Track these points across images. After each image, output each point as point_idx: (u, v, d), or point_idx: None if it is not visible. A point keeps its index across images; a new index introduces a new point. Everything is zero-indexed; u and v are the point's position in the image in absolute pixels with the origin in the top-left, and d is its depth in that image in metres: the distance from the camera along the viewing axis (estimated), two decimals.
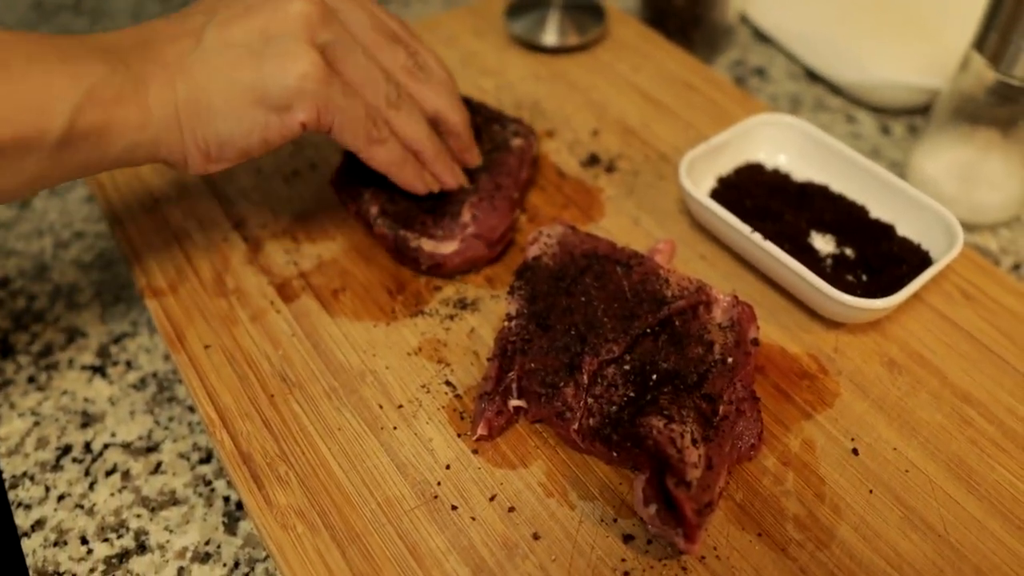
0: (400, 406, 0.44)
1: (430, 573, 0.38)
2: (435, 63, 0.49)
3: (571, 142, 0.59)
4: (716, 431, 0.40)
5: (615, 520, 0.40)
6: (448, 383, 0.45)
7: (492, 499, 0.41)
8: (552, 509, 0.40)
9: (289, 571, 0.38)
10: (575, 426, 0.41)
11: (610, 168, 0.57)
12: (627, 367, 0.42)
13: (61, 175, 0.40)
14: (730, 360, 0.42)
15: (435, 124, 0.49)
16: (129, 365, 0.52)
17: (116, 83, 0.39)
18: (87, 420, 0.49)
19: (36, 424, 0.49)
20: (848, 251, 0.50)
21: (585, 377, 0.41)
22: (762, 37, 0.75)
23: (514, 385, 0.43)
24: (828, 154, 0.52)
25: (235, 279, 0.51)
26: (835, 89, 0.70)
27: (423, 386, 0.45)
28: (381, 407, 0.44)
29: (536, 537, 0.39)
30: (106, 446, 0.48)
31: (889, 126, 0.67)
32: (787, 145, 0.54)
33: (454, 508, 0.40)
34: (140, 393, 0.50)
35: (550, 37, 0.66)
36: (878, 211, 0.51)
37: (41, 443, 0.48)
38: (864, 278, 0.48)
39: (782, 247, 0.46)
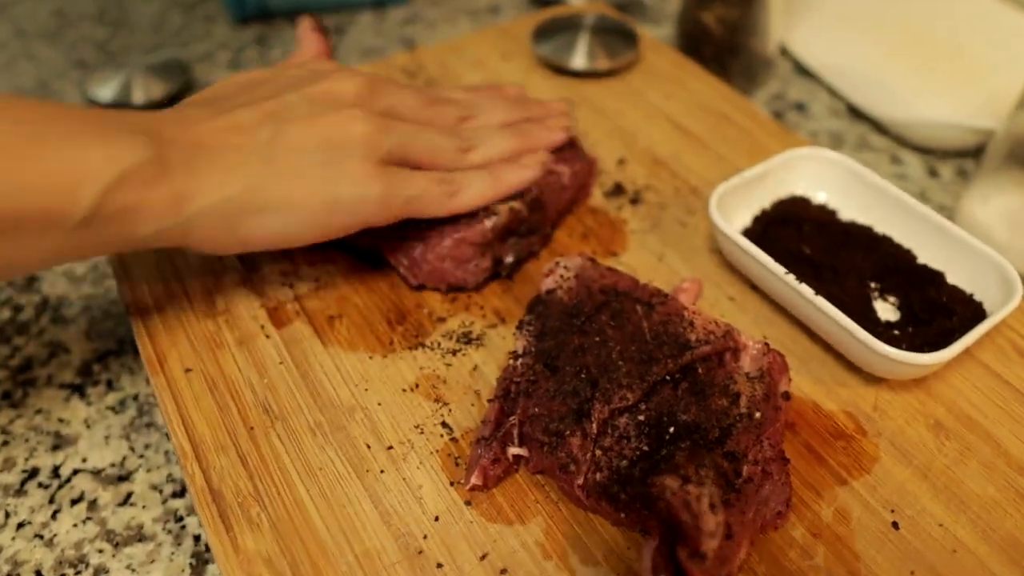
0: (390, 447, 0.40)
1: None
2: (471, 94, 0.52)
3: (598, 171, 0.56)
4: (738, 495, 0.35)
5: None
6: (444, 424, 0.41)
7: (483, 558, 0.36)
8: (549, 573, 0.36)
9: None
10: (580, 481, 0.37)
11: (635, 200, 0.54)
12: (641, 418, 0.38)
13: (80, 253, 0.38)
14: (757, 415, 0.38)
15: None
16: (110, 385, 0.49)
17: (153, 168, 0.38)
18: (59, 442, 0.46)
19: (5, 443, 0.46)
20: (892, 299, 0.45)
21: (594, 426, 0.37)
22: (803, 71, 0.72)
23: (515, 431, 0.38)
24: (873, 193, 0.48)
25: (226, 300, 0.47)
26: (880, 128, 0.65)
27: (417, 426, 0.41)
28: (369, 447, 0.40)
29: None
30: (75, 472, 0.45)
31: (937, 168, 0.62)
32: (828, 182, 0.50)
33: (439, 566, 0.36)
34: (118, 416, 0.47)
35: (578, 60, 0.63)
36: (926, 257, 0.46)
37: (7, 464, 0.45)
38: (910, 329, 0.43)
39: (819, 292, 0.42)
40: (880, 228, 0.48)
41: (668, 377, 0.39)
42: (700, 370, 0.39)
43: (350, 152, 0.42)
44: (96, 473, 0.45)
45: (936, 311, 0.43)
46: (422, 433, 0.41)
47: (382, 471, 0.39)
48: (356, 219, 0.42)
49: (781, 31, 0.69)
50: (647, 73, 0.64)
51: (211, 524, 0.38)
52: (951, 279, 0.45)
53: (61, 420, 0.47)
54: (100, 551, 0.41)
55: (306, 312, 0.47)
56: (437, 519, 0.38)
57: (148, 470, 0.45)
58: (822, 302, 0.41)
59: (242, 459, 0.40)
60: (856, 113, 0.67)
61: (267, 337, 0.45)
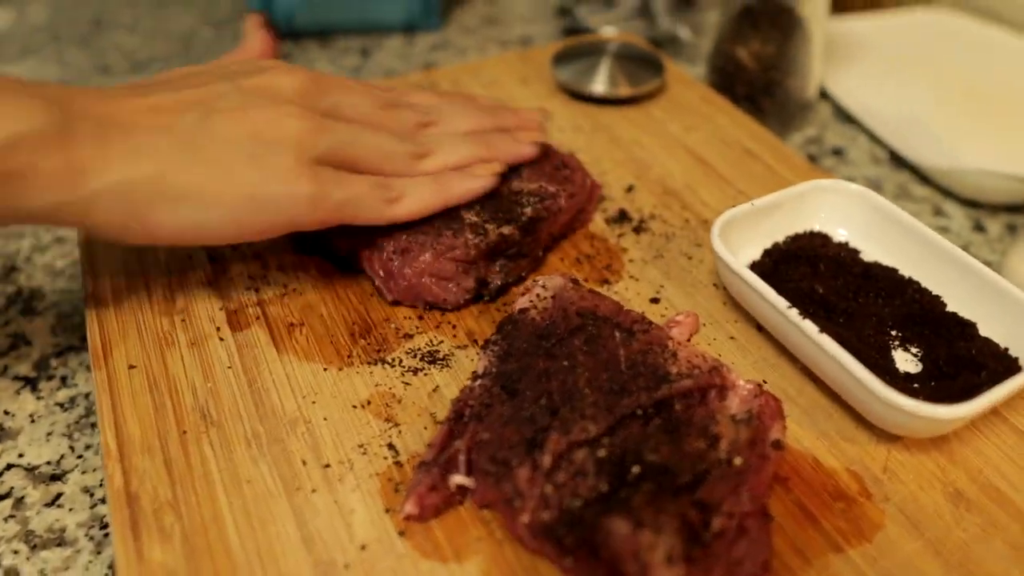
0: (327, 465, 0.36)
1: None
2: (436, 99, 0.50)
3: (600, 197, 0.52)
4: (705, 551, 0.30)
5: None
6: (391, 446, 0.37)
7: None
8: None
9: None
10: (525, 518, 0.32)
11: (639, 228, 0.49)
12: (602, 453, 0.33)
13: None
14: (738, 461, 0.33)
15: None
16: (64, 381, 0.46)
17: (52, 136, 0.36)
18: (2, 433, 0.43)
19: None
20: (915, 350, 0.40)
21: (547, 458, 0.33)
22: (845, 117, 0.67)
23: (461, 457, 0.34)
24: (900, 232, 0.43)
25: (186, 299, 0.44)
26: (923, 177, 0.60)
27: (360, 446, 0.37)
28: (305, 464, 0.36)
29: None
30: (9, 467, 0.42)
31: (983, 222, 0.56)
32: (851, 218, 0.45)
33: None
34: (65, 414, 0.44)
35: (598, 86, 0.59)
36: (957, 305, 0.41)
37: None
38: (932, 384, 0.38)
39: (830, 336, 0.37)
40: (906, 271, 0.43)
41: (640, 412, 0.34)
42: (678, 407, 0.35)
43: (280, 149, 0.39)
44: (30, 470, 0.42)
45: (963, 365, 0.38)
46: (364, 454, 0.37)
47: (314, 490, 0.35)
48: (281, 218, 0.40)
49: (821, 73, 0.65)
50: (671, 104, 0.61)
51: (119, 530, 0.34)
52: (984, 331, 0.40)
53: (7, 412, 0.44)
54: (15, 552, 0.38)
55: (267, 317, 0.44)
56: (364, 548, 0.33)
57: (83, 471, 0.41)
58: (826, 340, 0.36)
59: (167, 464, 0.37)
60: (898, 161, 0.62)
61: (220, 340, 0.42)
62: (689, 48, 0.76)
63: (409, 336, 0.43)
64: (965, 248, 0.54)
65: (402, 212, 0.43)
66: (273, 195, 0.39)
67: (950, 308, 0.41)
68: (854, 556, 0.33)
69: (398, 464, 0.36)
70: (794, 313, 0.37)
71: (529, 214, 0.44)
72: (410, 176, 0.44)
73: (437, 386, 0.40)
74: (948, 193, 0.59)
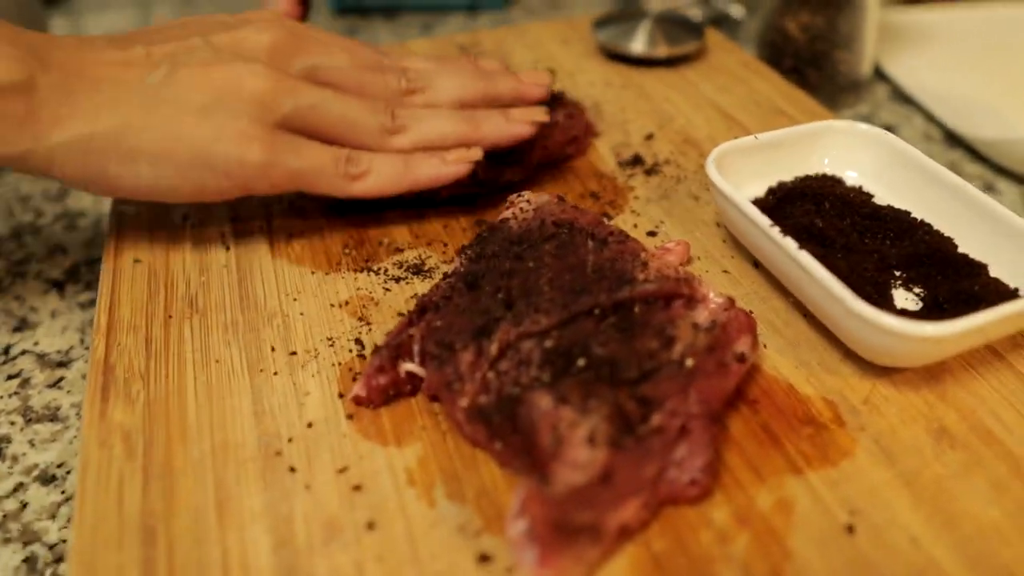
0: (293, 353, 0.37)
1: (225, 532, 0.30)
2: (431, 63, 0.46)
3: (618, 143, 0.51)
4: (638, 442, 0.29)
5: (478, 534, 0.30)
6: (358, 341, 0.38)
7: (341, 471, 0.32)
8: (406, 501, 0.31)
9: (80, 491, 0.31)
10: (463, 402, 0.31)
11: (651, 171, 0.48)
12: (549, 344, 0.32)
13: None
14: (690, 363, 0.32)
15: (470, 106, 0.45)
16: (88, 286, 0.49)
17: (20, 87, 0.36)
18: (20, 326, 0.46)
19: None
20: (918, 289, 0.37)
21: (494, 347, 0.32)
22: (903, 98, 0.64)
23: (415, 346, 0.34)
24: (914, 173, 0.41)
25: (201, 213, 0.46)
26: (977, 155, 0.57)
27: (329, 339, 0.38)
28: (273, 350, 0.37)
29: (370, 527, 0.30)
30: (23, 352, 0.44)
31: None
32: (863, 160, 0.43)
33: (292, 470, 0.32)
34: (83, 312, 0.47)
35: (637, 45, 0.59)
36: (969, 246, 0.38)
37: None
38: (928, 315, 0.35)
39: (823, 264, 0.34)
40: (919, 213, 0.40)
41: (597, 311, 0.33)
42: (637, 309, 0.33)
43: (238, 109, 0.38)
44: (41, 356, 0.44)
45: (964, 302, 0.35)
46: (331, 346, 0.37)
47: (275, 373, 0.36)
48: (232, 183, 0.39)
49: (874, 51, 0.62)
50: (709, 68, 0.59)
51: (90, 394, 0.36)
52: (994, 272, 0.37)
53: (32, 308, 0.47)
54: (12, 423, 0.40)
55: (270, 228, 0.45)
56: (310, 426, 0.34)
57: (86, 361, 0.44)
58: (804, 257, 0.34)
59: (147, 341, 0.38)
60: (952, 140, 0.59)
61: (224, 245, 0.44)
62: (743, 27, 0.74)
63: (400, 250, 0.43)
64: None
65: (364, 190, 0.41)
66: (222, 157, 0.38)
67: (961, 250, 0.38)
68: (813, 479, 0.31)
69: (362, 357, 0.37)
70: (777, 232, 0.36)
71: None
72: (379, 151, 0.42)
73: (416, 294, 0.40)
74: (1001, 170, 0.55)
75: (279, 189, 0.40)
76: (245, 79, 0.39)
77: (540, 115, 0.45)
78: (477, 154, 0.43)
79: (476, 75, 0.46)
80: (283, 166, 0.39)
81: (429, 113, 0.43)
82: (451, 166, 0.42)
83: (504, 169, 0.44)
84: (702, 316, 0.34)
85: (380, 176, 0.41)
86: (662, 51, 0.59)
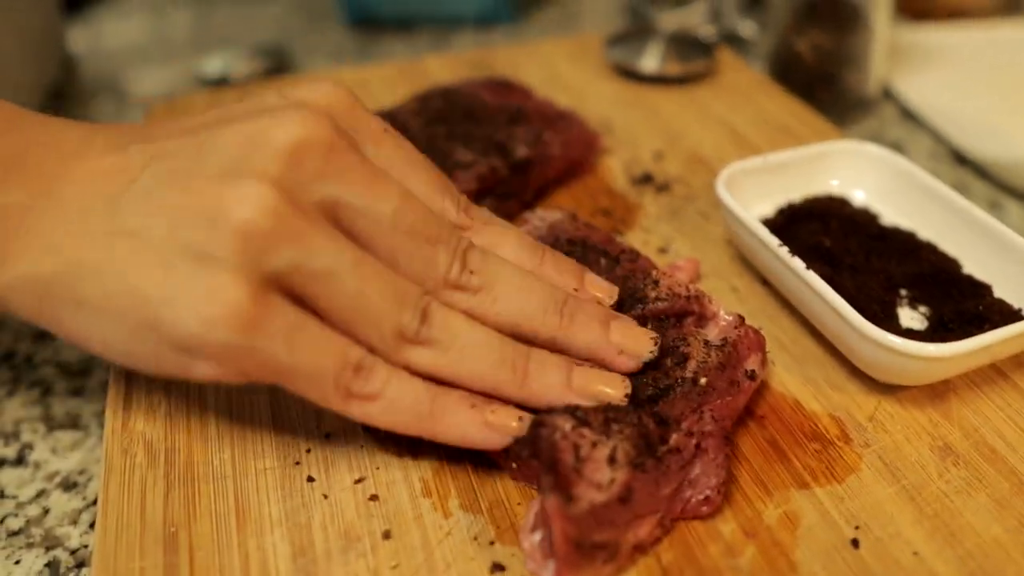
0: None
1: (245, 539, 0.31)
2: (505, 242, 0.33)
3: (628, 160, 0.52)
4: (658, 463, 0.30)
5: (492, 543, 0.30)
6: None
7: (358, 482, 0.33)
8: (422, 511, 0.32)
9: (104, 498, 0.32)
10: None
11: (662, 188, 0.49)
12: None
13: None
14: (703, 381, 0.32)
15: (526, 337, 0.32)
16: None
17: None
18: (42, 334, 0.47)
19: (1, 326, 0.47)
20: (924, 309, 0.38)
21: None
22: (911, 118, 0.65)
23: None
24: (920, 194, 0.41)
25: None
26: (983, 174, 0.57)
27: None
28: None
29: (387, 536, 0.31)
30: (45, 362, 0.45)
31: None
32: (870, 180, 0.44)
33: (310, 480, 0.33)
34: None
35: (648, 64, 0.60)
36: (974, 267, 0.39)
37: None
38: (934, 338, 0.36)
39: (830, 284, 0.35)
40: (925, 234, 0.41)
41: None
42: (649, 326, 0.34)
43: (215, 252, 0.27)
44: (62, 367, 0.45)
45: (968, 322, 0.36)
46: None
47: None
48: (185, 356, 0.28)
49: (884, 70, 0.63)
50: (719, 87, 0.60)
51: (112, 404, 0.37)
52: (999, 292, 0.38)
53: None
54: (34, 431, 0.41)
55: None
56: (328, 436, 0.35)
57: (106, 368, 0.45)
58: (812, 277, 0.35)
59: None
60: (959, 159, 0.59)
61: None
62: (753, 46, 0.75)
63: None
64: None
65: (362, 416, 0.30)
66: (172, 324, 0.27)
67: (966, 270, 0.39)
68: (819, 493, 0.32)
69: None
70: (785, 251, 0.36)
71: (521, 154, 0.44)
72: (391, 362, 0.30)
73: None
74: (1007, 189, 0.56)
75: (243, 379, 0.29)
76: (233, 206, 0.27)
77: (616, 395, 0.31)
78: (521, 428, 0.30)
79: (554, 297, 0.32)
80: (263, 354, 0.27)
81: (469, 328, 0.31)
82: (488, 432, 0.30)
83: (498, 204, 0.45)
84: (713, 333, 0.35)
85: (392, 408, 0.30)
86: (673, 69, 0.60)
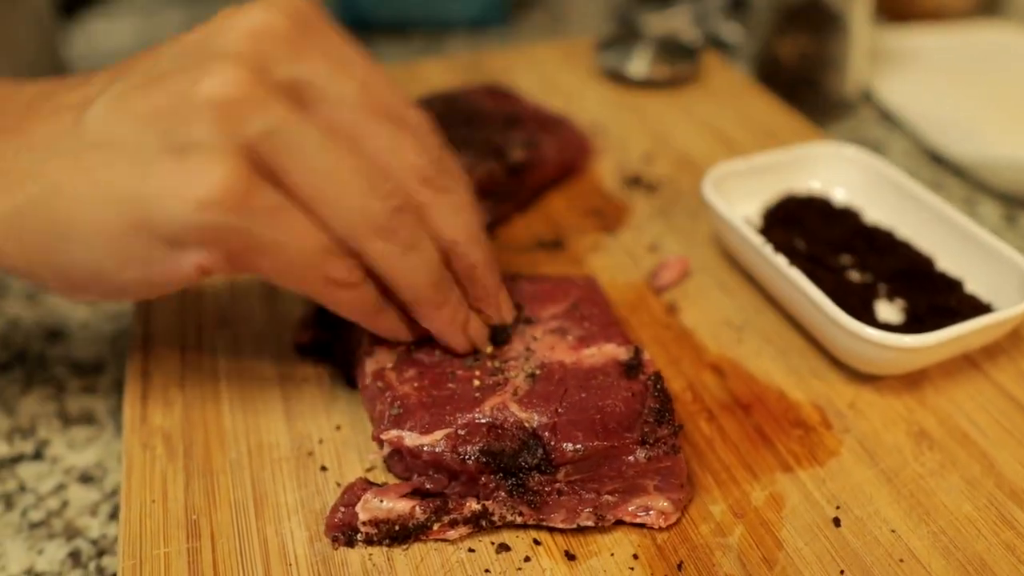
0: None
1: (264, 525, 0.32)
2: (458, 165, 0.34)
3: (618, 162, 0.54)
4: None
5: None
6: None
7: (369, 470, 0.35)
8: None
9: (126, 489, 0.34)
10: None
11: (651, 189, 0.51)
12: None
13: None
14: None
15: (445, 257, 0.33)
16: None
17: None
18: (56, 331, 0.49)
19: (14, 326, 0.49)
20: (900, 302, 0.40)
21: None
22: (889, 119, 0.67)
23: None
24: (897, 194, 0.44)
25: None
26: (959, 173, 0.60)
27: None
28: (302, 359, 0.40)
29: None
30: (57, 360, 0.47)
31: (1016, 216, 0.56)
32: (850, 180, 0.46)
33: (323, 469, 0.35)
34: (113, 323, 0.49)
35: (637, 68, 0.62)
36: (947, 263, 0.41)
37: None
38: (910, 331, 0.38)
39: (810, 279, 0.37)
40: (903, 232, 0.43)
41: None
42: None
43: (189, 124, 0.27)
44: (76, 364, 0.47)
45: (942, 315, 0.38)
46: None
47: (304, 380, 0.39)
48: (174, 250, 0.28)
49: (864, 73, 0.66)
50: (707, 91, 0.62)
51: (130, 400, 0.38)
52: (970, 287, 0.40)
53: (62, 315, 0.50)
54: (49, 426, 0.43)
55: None
56: (339, 428, 0.36)
57: (119, 367, 0.46)
58: (794, 273, 0.37)
59: (182, 351, 0.41)
60: (936, 159, 0.62)
61: None
62: (738, 49, 0.77)
63: None
64: None
65: (347, 304, 0.31)
66: (157, 199, 0.27)
67: (940, 266, 0.41)
68: (803, 476, 0.34)
69: None
70: (768, 249, 0.39)
71: (517, 158, 0.46)
72: (356, 250, 0.30)
73: None
74: (982, 187, 0.58)
75: (233, 269, 0.29)
76: (200, 82, 0.27)
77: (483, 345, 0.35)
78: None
79: (482, 240, 0.34)
80: (251, 233, 0.27)
81: (419, 253, 0.31)
82: (465, 337, 0.34)
83: (495, 205, 0.46)
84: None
85: (360, 300, 0.31)
86: (661, 74, 0.62)
